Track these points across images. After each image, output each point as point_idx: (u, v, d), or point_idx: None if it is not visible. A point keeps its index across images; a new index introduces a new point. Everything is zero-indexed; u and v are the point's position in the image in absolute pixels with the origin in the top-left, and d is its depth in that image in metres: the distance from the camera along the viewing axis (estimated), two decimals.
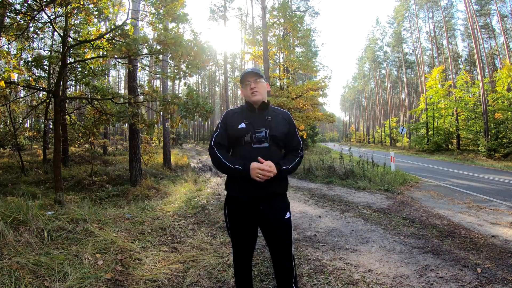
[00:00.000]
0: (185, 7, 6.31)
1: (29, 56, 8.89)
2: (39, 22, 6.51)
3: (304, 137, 16.83)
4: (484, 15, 26.55)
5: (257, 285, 2.47)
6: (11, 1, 5.65)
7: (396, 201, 5.80)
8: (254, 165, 1.62)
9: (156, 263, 2.77)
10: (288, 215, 1.78)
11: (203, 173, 11.51)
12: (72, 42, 6.84)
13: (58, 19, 7.06)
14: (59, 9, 6.06)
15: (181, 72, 6.35)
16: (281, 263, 1.77)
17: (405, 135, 33.34)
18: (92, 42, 6.44)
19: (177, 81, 6.68)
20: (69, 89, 13.30)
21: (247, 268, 1.89)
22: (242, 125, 1.74)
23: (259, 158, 1.64)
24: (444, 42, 29.83)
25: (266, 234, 1.79)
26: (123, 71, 38.97)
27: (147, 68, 14.66)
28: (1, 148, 15.83)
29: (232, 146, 1.81)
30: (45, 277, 2.29)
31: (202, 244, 3.30)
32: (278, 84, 18.65)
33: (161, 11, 5.98)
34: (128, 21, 6.18)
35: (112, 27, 6.03)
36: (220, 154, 1.73)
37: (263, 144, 1.70)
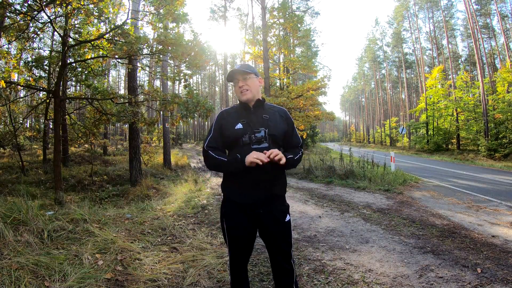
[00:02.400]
0: (185, 6, 6.31)
1: (29, 56, 8.90)
2: (39, 22, 6.51)
3: (304, 137, 16.84)
4: (484, 15, 26.54)
5: (257, 285, 2.47)
6: (11, 1, 5.65)
7: (396, 201, 5.80)
8: (253, 153, 1.53)
9: (156, 263, 2.77)
10: (288, 217, 1.72)
11: (203, 173, 11.51)
12: (72, 42, 6.84)
13: (58, 19, 7.06)
14: (59, 9, 6.06)
15: (181, 74, 6.36)
16: (281, 265, 1.73)
17: (405, 135, 33.36)
18: (92, 42, 6.44)
19: (177, 82, 6.68)
20: (69, 89, 13.30)
21: (244, 272, 1.81)
22: (239, 125, 1.65)
23: (264, 151, 1.55)
24: (444, 42, 29.87)
25: (265, 237, 1.74)
26: (123, 71, 38.98)
27: (147, 68, 14.67)
28: (1, 148, 15.83)
29: (229, 148, 1.71)
30: (45, 277, 2.29)
31: (202, 244, 3.30)
32: (278, 84, 18.65)
33: (161, 10, 5.98)
34: (128, 21, 6.19)
35: (112, 27, 6.04)
36: (215, 154, 1.64)
37: (262, 144, 1.62)
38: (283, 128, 1.71)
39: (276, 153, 1.52)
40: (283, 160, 1.53)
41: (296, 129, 1.83)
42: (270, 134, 1.65)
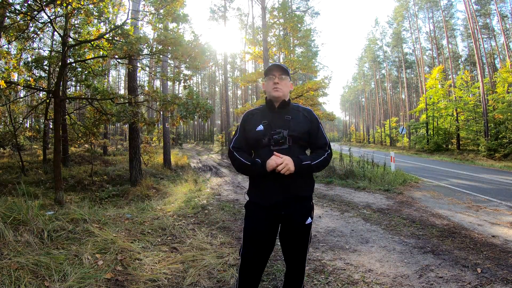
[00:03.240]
0: (184, 7, 6.32)
1: (29, 56, 8.91)
2: (39, 22, 6.51)
3: None
4: (484, 15, 26.54)
5: None
6: (11, 1, 5.65)
7: (396, 201, 5.80)
8: (271, 159, 1.55)
9: (156, 263, 2.77)
10: (309, 220, 1.70)
11: (203, 173, 11.51)
12: (72, 42, 6.84)
13: (58, 19, 7.06)
14: (59, 9, 6.06)
15: (181, 75, 6.37)
16: (294, 267, 1.74)
17: (405, 135, 33.33)
18: (92, 42, 6.44)
19: (177, 82, 6.69)
20: (69, 89, 13.30)
21: (257, 278, 1.76)
22: (260, 127, 1.66)
23: (275, 152, 1.56)
24: (444, 42, 29.86)
25: (283, 238, 1.74)
26: (123, 71, 38.98)
27: (147, 69, 14.67)
28: (1, 148, 15.82)
29: (252, 149, 1.73)
30: (45, 277, 2.28)
31: (202, 244, 3.30)
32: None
33: (161, 11, 5.98)
34: (128, 21, 6.19)
35: (112, 27, 6.04)
36: (239, 155, 1.66)
37: (283, 146, 1.61)
38: (305, 128, 1.68)
39: (283, 167, 1.52)
40: (288, 172, 1.53)
41: (322, 127, 1.79)
42: (290, 135, 1.63)
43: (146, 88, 7.78)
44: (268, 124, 1.66)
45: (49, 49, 11.37)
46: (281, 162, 1.52)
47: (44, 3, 5.47)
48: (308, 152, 1.83)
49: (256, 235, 1.69)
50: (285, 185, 1.61)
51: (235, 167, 1.71)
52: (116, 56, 5.96)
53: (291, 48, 17.06)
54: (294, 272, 1.76)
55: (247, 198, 1.78)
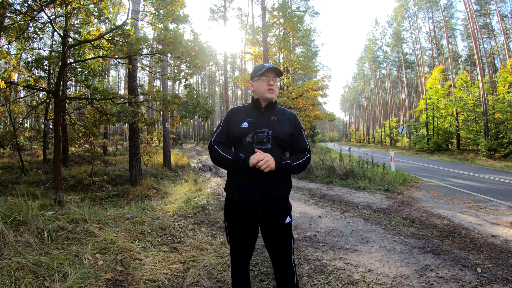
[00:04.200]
0: (184, 7, 6.32)
1: (29, 56, 8.91)
2: (39, 22, 6.51)
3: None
4: (484, 15, 26.54)
5: (257, 285, 2.47)
6: (11, 1, 5.65)
7: (396, 201, 5.80)
8: (254, 155, 1.58)
9: (156, 263, 2.77)
10: (288, 219, 1.72)
11: (203, 173, 11.51)
12: (72, 42, 6.84)
13: (58, 19, 7.06)
14: (59, 9, 6.06)
15: (182, 74, 6.36)
16: (282, 265, 1.74)
17: (405, 135, 33.33)
18: (92, 42, 6.44)
19: (177, 82, 6.69)
20: (69, 89, 13.30)
21: (245, 271, 1.83)
22: (245, 124, 1.68)
23: (256, 149, 1.59)
24: (444, 42, 29.86)
25: (265, 237, 1.75)
26: (123, 71, 38.97)
27: (147, 68, 14.68)
28: (1, 148, 15.82)
29: (234, 146, 1.75)
30: (45, 277, 2.29)
31: (202, 244, 3.30)
32: (278, 84, 18.62)
33: (162, 11, 5.99)
34: (128, 21, 6.19)
35: (112, 27, 6.04)
36: (220, 149, 1.67)
37: (265, 145, 1.63)
38: (289, 131, 1.72)
39: (264, 163, 1.54)
40: (267, 169, 1.55)
41: (304, 132, 1.82)
42: (274, 136, 1.66)
43: (146, 88, 7.78)
44: (253, 123, 1.68)
45: (49, 49, 11.37)
46: (263, 158, 1.55)
47: (44, 3, 5.47)
48: (287, 155, 1.85)
49: (236, 232, 1.73)
50: (263, 183, 1.63)
51: (213, 159, 1.72)
52: (116, 56, 5.96)
53: (291, 48, 17.07)
54: (282, 270, 1.76)
55: (225, 194, 1.80)
